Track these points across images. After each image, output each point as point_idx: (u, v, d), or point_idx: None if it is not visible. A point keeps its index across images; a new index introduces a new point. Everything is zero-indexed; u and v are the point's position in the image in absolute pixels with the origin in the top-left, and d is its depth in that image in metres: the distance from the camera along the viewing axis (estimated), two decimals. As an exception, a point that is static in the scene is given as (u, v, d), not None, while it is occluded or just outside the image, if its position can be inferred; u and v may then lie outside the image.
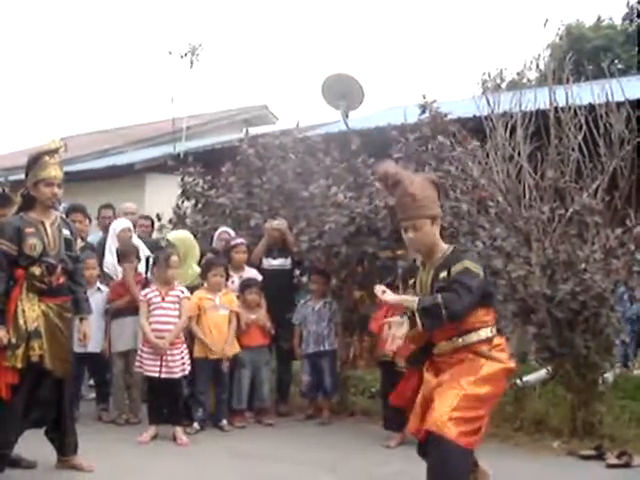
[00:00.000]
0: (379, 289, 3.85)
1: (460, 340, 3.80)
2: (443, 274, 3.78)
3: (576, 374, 6.08)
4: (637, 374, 8.58)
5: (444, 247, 3.92)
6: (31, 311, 4.84)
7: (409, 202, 3.82)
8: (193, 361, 6.33)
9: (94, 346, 6.46)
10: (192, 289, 6.58)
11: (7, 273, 4.84)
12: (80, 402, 6.74)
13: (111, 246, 7.28)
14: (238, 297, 6.75)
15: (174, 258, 6.26)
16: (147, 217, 8.55)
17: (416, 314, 3.65)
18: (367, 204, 6.62)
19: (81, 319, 5.31)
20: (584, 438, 5.91)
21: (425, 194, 3.84)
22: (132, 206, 7.91)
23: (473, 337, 3.80)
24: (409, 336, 3.85)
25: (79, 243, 7.14)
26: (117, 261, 7.01)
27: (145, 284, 6.61)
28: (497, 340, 3.87)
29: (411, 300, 3.75)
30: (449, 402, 3.66)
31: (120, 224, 7.45)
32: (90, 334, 5.47)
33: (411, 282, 4.05)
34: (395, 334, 3.78)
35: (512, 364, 3.93)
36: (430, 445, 3.69)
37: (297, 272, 7.47)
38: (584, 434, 5.96)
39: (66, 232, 5.11)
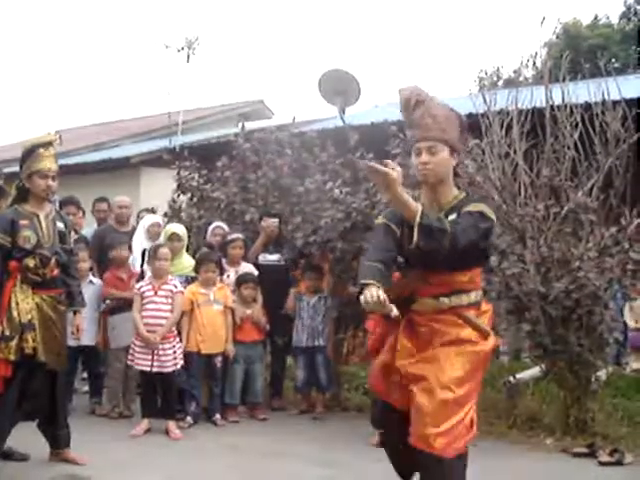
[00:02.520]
0: (389, 163, 3.23)
1: (447, 300, 3.40)
2: (453, 217, 3.34)
3: (569, 372, 6.09)
4: (629, 372, 8.63)
5: (456, 191, 3.52)
6: (25, 303, 4.83)
7: (430, 123, 3.40)
8: (186, 355, 6.33)
9: (88, 339, 6.45)
10: (189, 280, 6.63)
11: (1, 265, 4.84)
12: (73, 395, 6.73)
13: (142, 241, 7.19)
14: (234, 292, 6.76)
15: (163, 250, 6.26)
16: (150, 210, 8.54)
17: (414, 226, 3.14)
18: (364, 200, 6.62)
19: (74, 312, 5.31)
20: (577, 436, 5.93)
21: (449, 120, 3.45)
22: (125, 199, 7.89)
23: (463, 299, 3.42)
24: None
25: (72, 236, 7.17)
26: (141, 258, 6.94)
27: (140, 277, 6.60)
28: (485, 306, 3.55)
29: (414, 206, 3.19)
30: (436, 412, 3.29)
31: (149, 219, 7.40)
32: (83, 327, 5.47)
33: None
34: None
35: (494, 340, 3.53)
36: (422, 460, 3.36)
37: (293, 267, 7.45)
38: (577, 432, 5.97)
39: (60, 225, 5.11)
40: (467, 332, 3.40)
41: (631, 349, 9.00)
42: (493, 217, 3.36)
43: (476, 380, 3.45)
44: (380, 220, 3.48)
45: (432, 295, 3.42)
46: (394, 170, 3.16)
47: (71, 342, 5.52)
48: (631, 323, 8.91)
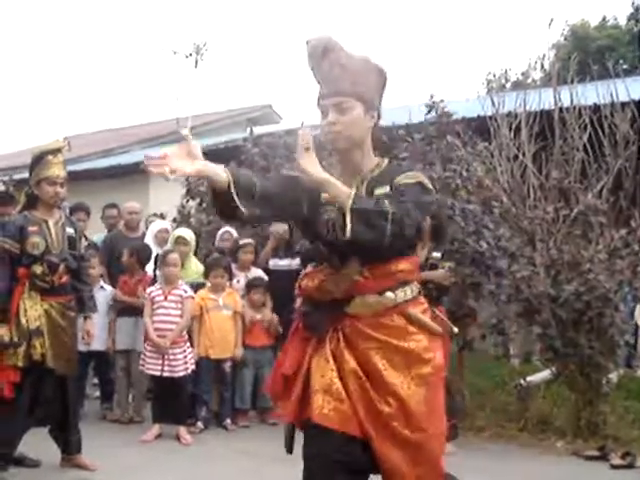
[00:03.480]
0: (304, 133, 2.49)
1: (393, 295, 2.66)
2: (382, 190, 2.65)
3: (580, 374, 6.07)
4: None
5: (377, 159, 2.79)
6: (33, 310, 4.84)
7: (338, 73, 2.66)
8: (196, 360, 6.34)
9: (99, 344, 6.48)
10: (198, 286, 6.63)
11: (10, 272, 4.85)
12: (84, 401, 6.75)
13: (151, 247, 7.19)
14: (243, 297, 6.77)
15: (172, 256, 6.27)
16: (159, 215, 8.57)
17: (346, 214, 2.41)
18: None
19: (85, 318, 5.32)
20: (588, 438, 5.91)
21: (364, 71, 2.71)
22: (135, 205, 7.91)
23: (407, 292, 2.70)
24: (312, 275, 2.77)
25: (83, 242, 7.19)
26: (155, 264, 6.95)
27: (152, 282, 6.62)
28: (422, 299, 2.79)
29: (342, 190, 2.47)
30: (416, 460, 2.67)
31: (158, 225, 7.46)
32: (94, 333, 5.49)
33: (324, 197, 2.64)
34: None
35: (443, 339, 2.87)
36: None
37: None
38: (588, 434, 5.95)
39: (70, 230, 5.11)
40: (419, 345, 2.68)
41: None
42: (432, 188, 2.71)
43: (439, 401, 2.76)
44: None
45: (375, 290, 2.67)
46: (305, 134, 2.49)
47: (82, 347, 5.54)
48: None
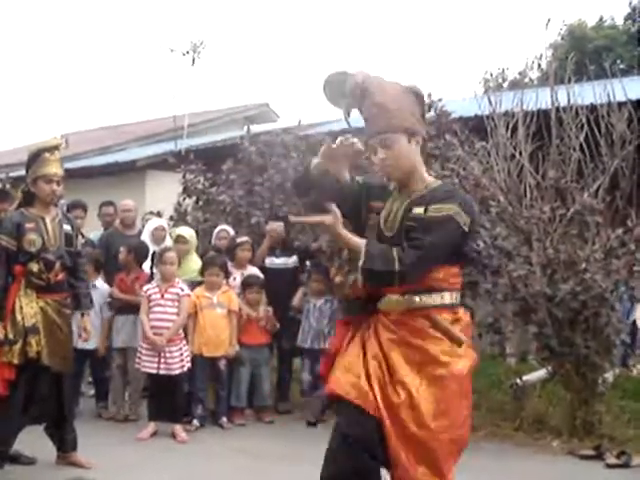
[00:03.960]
0: (292, 218, 3.09)
1: (417, 299, 2.93)
2: (419, 210, 2.92)
3: (576, 374, 6.08)
4: (636, 374, 8.61)
5: (429, 179, 3.07)
6: (29, 307, 4.83)
7: (376, 113, 2.99)
8: (192, 358, 6.34)
9: (94, 343, 6.47)
10: (197, 284, 6.65)
11: (6, 269, 4.84)
12: (80, 399, 6.74)
13: (148, 244, 7.21)
14: (239, 294, 6.77)
15: (170, 254, 6.27)
16: (155, 213, 8.56)
17: (359, 269, 2.85)
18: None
19: (82, 314, 5.32)
20: (584, 438, 5.92)
21: (399, 104, 2.98)
22: (129, 203, 7.90)
23: (435, 299, 2.94)
24: (341, 276, 3.13)
25: (80, 240, 7.17)
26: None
27: (149, 280, 6.61)
28: (462, 313, 3.03)
29: (358, 246, 2.89)
30: (416, 455, 2.87)
31: (154, 223, 7.44)
32: (91, 329, 5.49)
33: (377, 204, 3.09)
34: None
35: (473, 355, 3.03)
36: None
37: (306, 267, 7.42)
38: (584, 434, 5.96)
39: (67, 227, 5.10)
40: (437, 348, 2.91)
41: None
42: (466, 220, 2.89)
43: (455, 408, 2.93)
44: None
45: (399, 292, 2.95)
46: (331, 213, 2.89)
47: (79, 345, 5.54)
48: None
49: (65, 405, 5.05)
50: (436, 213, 2.88)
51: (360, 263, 2.84)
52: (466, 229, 2.90)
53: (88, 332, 5.39)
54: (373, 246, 2.92)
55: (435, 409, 2.87)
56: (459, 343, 2.94)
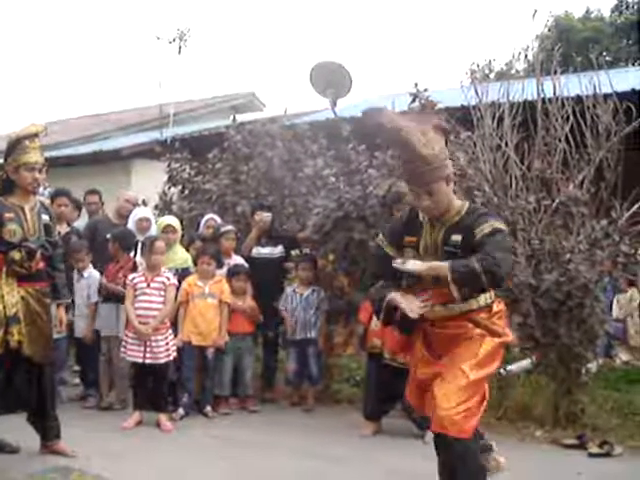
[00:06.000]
0: (398, 261, 3.46)
1: (457, 307, 3.49)
2: (456, 237, 3.44)
3: (560, 364, 6.11)
4: (619, 364, 8.67)
5: (457, 204, 3.57)
6: (10, 296, 4.80)
7: (420, 166, 3.39)
8: (180, 347, 6.34)
9: (81, 332, 6.45)
10: (182, 273, 6.65)
11: None
12: (64, 387, 6.72)
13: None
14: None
15: (158, 243, 6.24)
16: (142, 202, 8.51)
17: (450, 284, 3.27)
18: (359, 191, 6.60)
19: (58, 305, 5.29)
20: (567, 427, 5.95)
21: (437, 152, 3.41)
22: (133, 195, 7.84)
23: (472, 304, 3.49)
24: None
25: (65, 228, 7.13)
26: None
27: (134, 269, 6.58)
28: (496, 306, 3.58)
29: (442, 267, 3.33)
30: (454, 398, 3.42)
31: (139, 213, 7.31)
32: (66, 320, 5.46)
33: (410, 239, 3.62)
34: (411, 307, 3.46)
35: (509, 336, 3.68)
36: (442, 444, 3.51)
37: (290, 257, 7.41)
38: (567, 423, 6.00)
39: (45, 217, 5.05)
40: (480, 337, 3.52)
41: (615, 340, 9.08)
42: (505, 227, 3.47)
43: (495, 363, 3.59)
44: (378, 241, 3.76)
45: (441, 302, 3.49)
46: (422, 307, 3.46)
47: (56, 335, 5.50)
48: (616, 314, 9.01)
49: (46, 394, 5.02)
50: (486, 231, 3.36)
51: (449, 275, 3.26)
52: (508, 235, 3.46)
53: (63, 323, 5.37)
54: (453, 261, 3.36)
55: (472, 362, 3.49)
56: (498, 335, 3.53)
